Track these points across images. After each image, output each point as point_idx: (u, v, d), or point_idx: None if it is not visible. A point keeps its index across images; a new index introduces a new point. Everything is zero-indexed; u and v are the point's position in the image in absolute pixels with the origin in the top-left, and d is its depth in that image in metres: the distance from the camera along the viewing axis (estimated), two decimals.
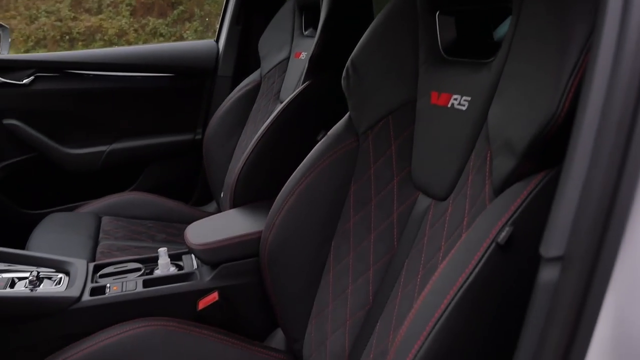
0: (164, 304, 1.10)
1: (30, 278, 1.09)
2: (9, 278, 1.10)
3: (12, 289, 1.06)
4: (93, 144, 1.88)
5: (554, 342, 0.37)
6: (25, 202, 1.83)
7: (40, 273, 1.12)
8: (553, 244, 0.38)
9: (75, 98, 1.85)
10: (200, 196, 1.98)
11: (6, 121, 1.79)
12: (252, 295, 1.15)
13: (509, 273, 0.57)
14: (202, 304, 1.10)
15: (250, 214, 1.25)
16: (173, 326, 1.06)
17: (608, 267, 0.37)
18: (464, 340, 0.58)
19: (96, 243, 1.54)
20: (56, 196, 1.87)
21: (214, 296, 1.10)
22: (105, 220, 1.69)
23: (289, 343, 1.10)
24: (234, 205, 1.35)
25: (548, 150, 0.58)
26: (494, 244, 0.57)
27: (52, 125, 1.84)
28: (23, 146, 1.83)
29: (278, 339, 1.18)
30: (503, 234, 0.56)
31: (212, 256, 1.13)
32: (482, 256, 0.59)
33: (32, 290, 1.06)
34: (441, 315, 0.59)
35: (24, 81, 1.77)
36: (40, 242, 1.49)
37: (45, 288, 1.09)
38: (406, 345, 0.60)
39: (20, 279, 1.10)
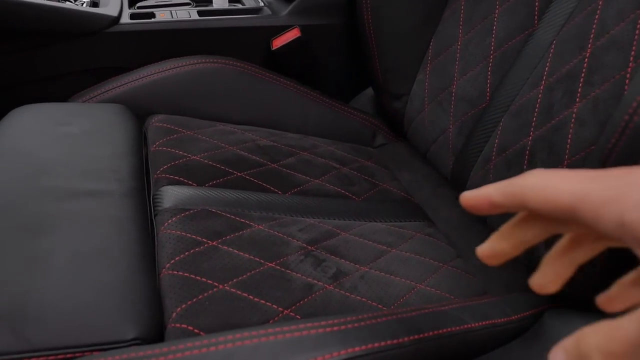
0: (227, 39, 0.84)
1: None
2: None
3: None
4: None
5: None
6: None
7: None
8: None
9: None
10: None
11: None
12: (340, 41, 0.89)
13: None
14: (278, 42, 0.84)
15: None
16: (240, 67, 0.82)
17: None
18: None
19: None
20: None
21: (294, 32, 0.83)
22: None
23: (384, 103, 0.86)
24: None
25: None
26: None
27: None
28: None
29: (365, 101, 0.95)
30: None
31: None
32: None
33: None
34: None
35: None
36: None
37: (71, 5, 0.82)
38: None
39: None
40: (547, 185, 0.26)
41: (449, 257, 0.63)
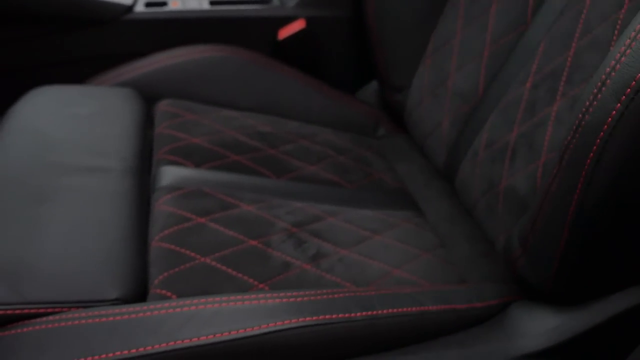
0: (236, 29, 0.88)
1: None
2: None
3: None
4: None
5: None
6: None
7: None
8: None
9: None
10: None
11: None
12: (346, 33, 0.91)
13: None
14: (284, 32, 0.87)
15: None
16: (247, 56, 0.85)
17: None
18: None
19: None
20: None
21: (299, 24, 0.86)
22: None
23: (386, 96, 0.88)
24: None
25: None
26: None
27: None
28: None
29: (369, 94, 0.97)
30: None
31: None
32: None
33: None
34: None
35: None
36: None
37: None
38: None
39: None
40: None
41: (431, 246, 0.66)
